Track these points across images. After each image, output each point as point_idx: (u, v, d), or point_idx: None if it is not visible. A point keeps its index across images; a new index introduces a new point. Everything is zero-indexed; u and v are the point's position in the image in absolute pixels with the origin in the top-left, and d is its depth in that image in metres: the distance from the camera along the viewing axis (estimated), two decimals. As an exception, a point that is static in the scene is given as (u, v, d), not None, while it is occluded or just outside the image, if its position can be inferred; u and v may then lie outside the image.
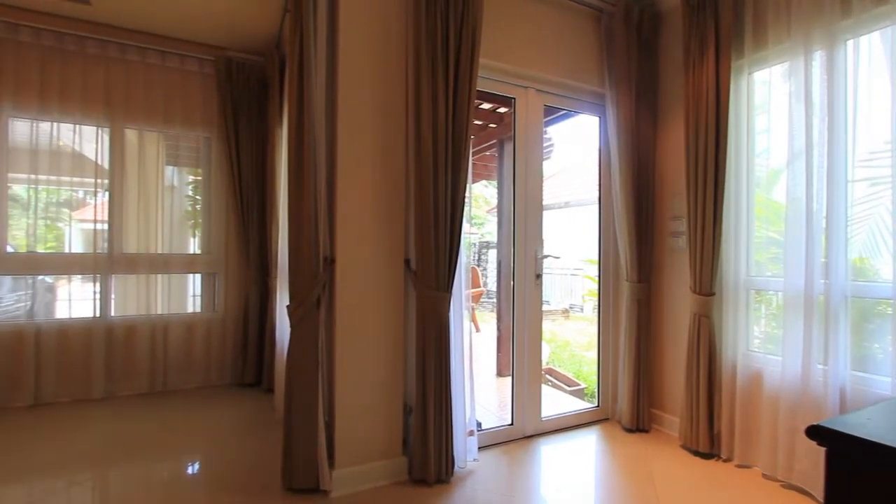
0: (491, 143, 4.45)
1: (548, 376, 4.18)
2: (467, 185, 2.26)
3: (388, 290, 2.20)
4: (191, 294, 3.92)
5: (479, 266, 9.05)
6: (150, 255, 3.50)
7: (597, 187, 3.15)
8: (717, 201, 2.42)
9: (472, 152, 3.49)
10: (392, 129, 2.21)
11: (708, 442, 2.46)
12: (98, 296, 3.35)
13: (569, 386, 4.00)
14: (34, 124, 3.22)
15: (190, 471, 2.35)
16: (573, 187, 9.29)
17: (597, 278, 3.21)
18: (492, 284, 8.50)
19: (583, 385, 4.03)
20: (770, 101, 2.44)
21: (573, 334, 6.39)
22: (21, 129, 3.22)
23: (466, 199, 2.25)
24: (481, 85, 2.45)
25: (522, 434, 2.72)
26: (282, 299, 2.91)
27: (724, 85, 2.39)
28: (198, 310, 3.77)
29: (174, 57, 3.52)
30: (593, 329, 3.67)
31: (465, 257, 2.32)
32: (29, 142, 3.23)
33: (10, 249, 3.20)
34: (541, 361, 2.85)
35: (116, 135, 3.42)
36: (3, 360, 3.07)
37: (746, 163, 2.46)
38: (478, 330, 5.85)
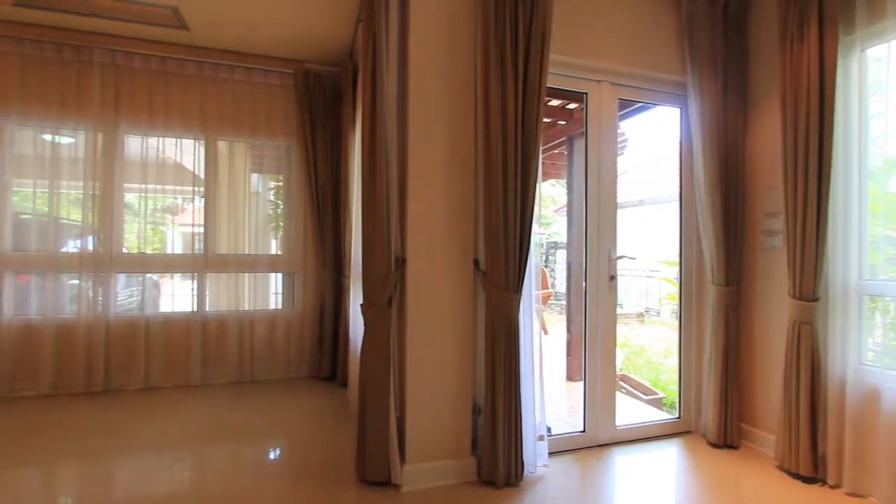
0: (559, 140, 4.33)
1: (622, 383, 3.98)
2: (537, 185, 2.22)
3: (457, 290, 2.21)
4: (273, 292, 4.20)
5: (546, 267, 8.86)
6: (238, 256, 3.81)
7: (676, 183, 2.95)
8: (821, 195, 2.16)
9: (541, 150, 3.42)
10: (461, 130, 2.22)
11: (810, 464, 2.20)
12: (195, 292, 3.71)
13: (645, 394, 3.78)
14: (144, 140, 3.64)
15: (272, 456, 2.52)
16: (648, 184, 8.79)
17: (677, 281, 3.01)
18: (560, 286, 8.27)
19: (661, 394, 3.79)
20: (888, 80, 2.14)
21: (649, 340, 6.04)
22: (133, 144, 3.65)
23: (535, 199, 2.20)
24: (551, 81, 2.38)
25: (595, 442, 2.61)
26: (355, 298, 3.04)
27: (829, 64, 2.13)
28: (279, 307, 4.03)
29: (259, 72, 3.80)
30: (671, 335, 3.43)
31: (535, 258, 2.28)
32: (139, 155, 3.65)
33: (124, 250, 3.64)
34: (615, 367, 2.71)
35: (210, 146, 3.77)
36: (121, 348, 3.50)
37: (858, 151, 2.17)
38: (546, 332, 5.72)
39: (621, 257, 2.74)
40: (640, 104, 3.00)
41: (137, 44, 3.52)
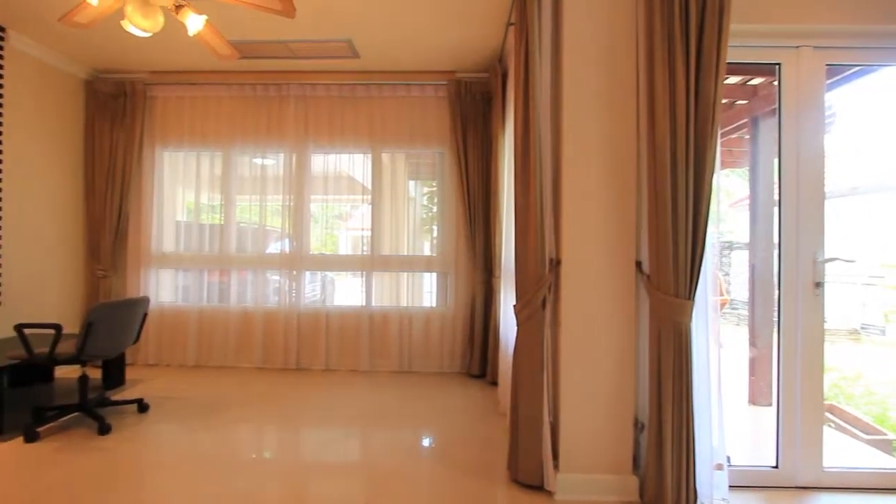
0: (738, 123, 3.73)
1: (830, 415, 3.24)
2: (713, 178, 1.94)
3: (617, 294, 2.06)
4: (427, 290, 4.50)
5: (719, 270, 7.69)
6: (399, 257, 4.18)
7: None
8: None
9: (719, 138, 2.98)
10: (621, 122, 2.07)
11: None
12: (363, 289, 4.18)
13: (866, 433, 3.01)
14: (324, 157, 4.24)
15: (425, 443, 2.68)
16: (865, 167, 7.00)
17: (918, 290, 2.32)
18: (737, 293, 7.13)
19: (890, 435, 2.97)
20: None
21: (868, 364, 4.79)
22: (317, 161, 4.28)
23: (711, 194, 1.92)
24: (730, 56, 2.06)
25: (792, 483, 2.17)
26: (506, 298, 3.06)
27: None
28: (433, 305, 4.30)
29: (416, 87, 4.12)
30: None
31: (711, 260, 1.99)
32: (322, 170, 4.27)
33: (311, 252, 4.29)
34: (822, 395, 2.22)
35: (375, 158, 4.21)
36: (308, 334, 4.14)
37: None
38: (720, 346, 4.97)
39: (832, 259, 2.23)
40: (857, 68, 2.40)
41: (320, 75, 4.12)
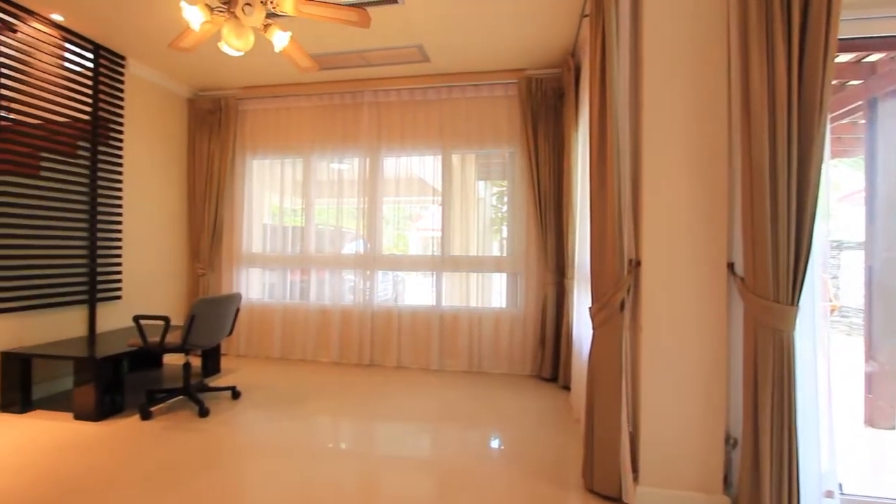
0: (850, 107, 3.30)
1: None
2: (821, 169, 1.73)
3: (704, 298, 1.91)
4: (497, 291, 4.47)
5: (826, 272, 6.85)
6: (468, 257, 4.19)
7: None
8: None
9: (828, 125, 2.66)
10: (709, 111, 1.91)
11: None
12: (433, 289, 4.25)
13: None
14: (396, 160, 4.37)
15: (495, 445, 2.66)
16: None
17: None
18: (848, 297, 6.30)
19: None
20: None
21: None
22: (389, 164, 4.42)
23: (818, 187, 1.71)
24: (842, 30, 1.82)
25: (924, 519, 1.87)
26: (579, 300, 2.96)
27: None
28: (503, 306, 4.26)
29: (485, 87, 4.11)
30: None
31: (819, 260, 1.78)
32: (393, 173, 4.40)
33: (383, 252, 4.43)
34: (963, 419, 1.89)
35: (445, 160, 4.26)
36: (381, 332, 4.28)
37: None
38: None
39: (975, 261, 1.89)
40: None
41: (392, 81, 4.25)
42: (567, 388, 3.54)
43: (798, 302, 1.70)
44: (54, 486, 2.09)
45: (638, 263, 1.97)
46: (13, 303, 3.03)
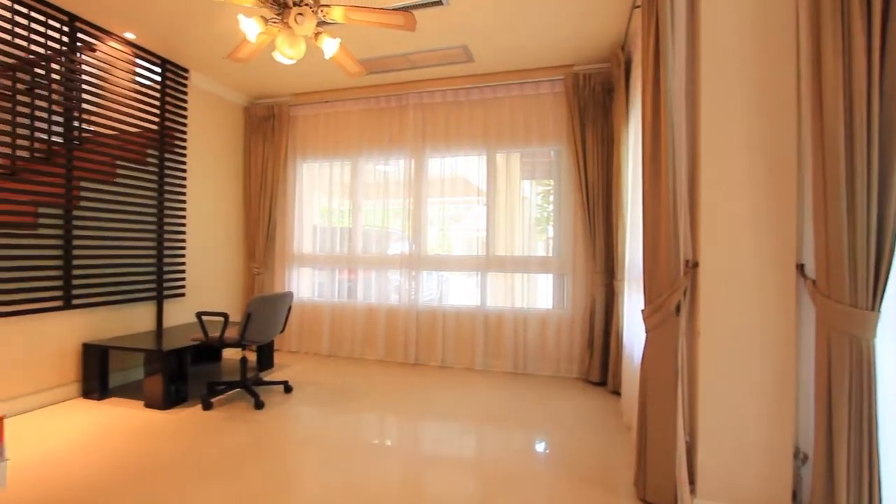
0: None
1: None
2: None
3: (770, 302, 1.79)
4: (542, 292, 4.39)
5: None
6: (513, 257, 4.14)
7: None
8: None
9: None
10: (774, 99, 1.79)
11: None
12: (478, 289, 4.23)
13: None
14: (440, 160, 4.39)
15: (540, 448, 2.61)
16: None
17: None
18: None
19: None
20: None
21: None
22: (433, 165, 4.45)
23: None
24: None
25: None
26: (630, 302, 2.86)
27: None
28: (549, 307, 4.18)
29: (530, 85, 4.05)
30: None
31: (905, 262, 1.62)
32: (438, 173, 4.42)
33: (428, 252, 4.47)
34: None
35: (490, 159, 4.23)
36: (425, 331, 4.32)
37: None
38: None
39: None
40: None
41: (436, 82, 4.28)
42: (617, 392, 3.43)
43: (880, 307, 1.55)
44: (130, 466, 2.27)
45: (695, 264, 1.88)
46: (92, 298, 3.31)
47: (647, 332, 1.95)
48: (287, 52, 2.37)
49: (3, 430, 2.34)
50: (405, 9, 3.01)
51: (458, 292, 4.70)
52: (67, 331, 3.19)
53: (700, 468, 1.86)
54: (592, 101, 3.76)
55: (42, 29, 2.99)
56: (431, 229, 4.52)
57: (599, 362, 3.70)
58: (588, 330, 3.83)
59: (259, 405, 3.09)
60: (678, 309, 1.88)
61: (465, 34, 3.42)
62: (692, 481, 1.88)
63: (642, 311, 1.98)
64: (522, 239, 4.17)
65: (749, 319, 1.80)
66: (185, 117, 4.08)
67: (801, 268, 1.76)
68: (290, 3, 2.30)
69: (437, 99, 4.32)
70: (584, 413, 3.12)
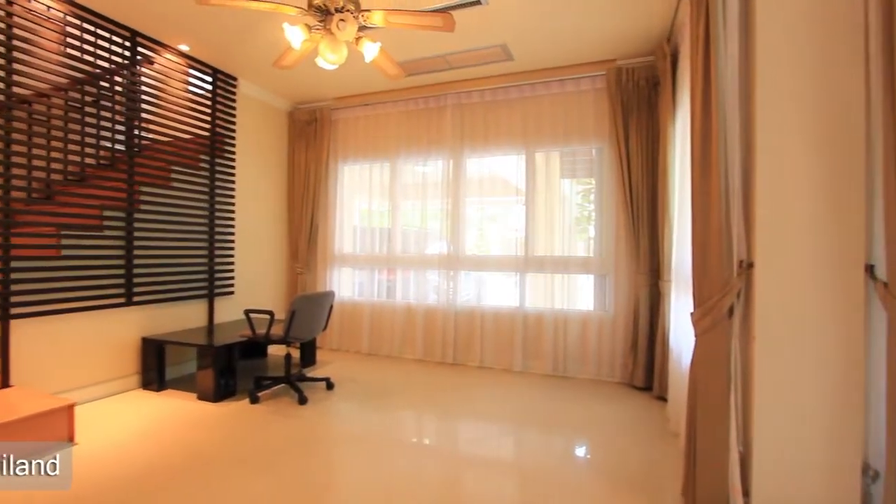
0: None
1: None
2: None
3: (835, 304, 1.67)
4: (583, 293, 4.29)
5: None
6: (553, 258, 4.07)
7: None
8: None
9: None
10: (838, 88, 1.67)
11: None
12: (517, 290, 4.19)
13: None
14: (479, 160, 4.38)
15: (581, 453, 2.55)
16: None
17: None
18: None
19: None
20: None
21: None
22: (472, 165, 4.45)
23: None
24: None
25: None
26: (677, 304, 2.74)
27: None
28: (590, 308, 4.08)
29: (571, 82, 3.97)
30: None
31: None
32: (476, 173, 4.41)
33: (467, 253, 4.47)
34: None
35: (529, 159, 4.18)
36: (464, 331, 4.32)
37: None
38: None
39: None
40: None
41: (475, 82, 4.26)
42: (662, 398, 3.30)
43: (964, 313, 1.41)
44: (183, 454, 2.40)
45: (750, 265, 1.78)
46: (150, 295, 3.52)
47: (696, 335, 1.87)
48: (329, 58, 2.44)
49: (74, 416, 2.54)
50: (444, 10, 3.02)
51: (497, 293, 4.66)
52: (128, 326, 3.41)
53: (755, 481, 1.76)
54: (636, 97, 3.63)
55: (107, 45, 3.21)
56: (470, 229, 4.52)
57: (644, 366, 3.57)
58: (632, 332, 3.71)
59: (303, 401, 3.18)
60: (731, 312, 1.79)
61: (505, 33, 3.40)
62: (746, 493, 1.78)
63: (691, 314, 1.89)
64: (562, 239, 4.09)
65: (811, 324, 1.69)
66: (234, 123, 4.27)
67: (870, 269, 1.63)
68: (333, 10, 2.36)
69: (475, 99, 4.31)
70: (628, 418, 3.02)
